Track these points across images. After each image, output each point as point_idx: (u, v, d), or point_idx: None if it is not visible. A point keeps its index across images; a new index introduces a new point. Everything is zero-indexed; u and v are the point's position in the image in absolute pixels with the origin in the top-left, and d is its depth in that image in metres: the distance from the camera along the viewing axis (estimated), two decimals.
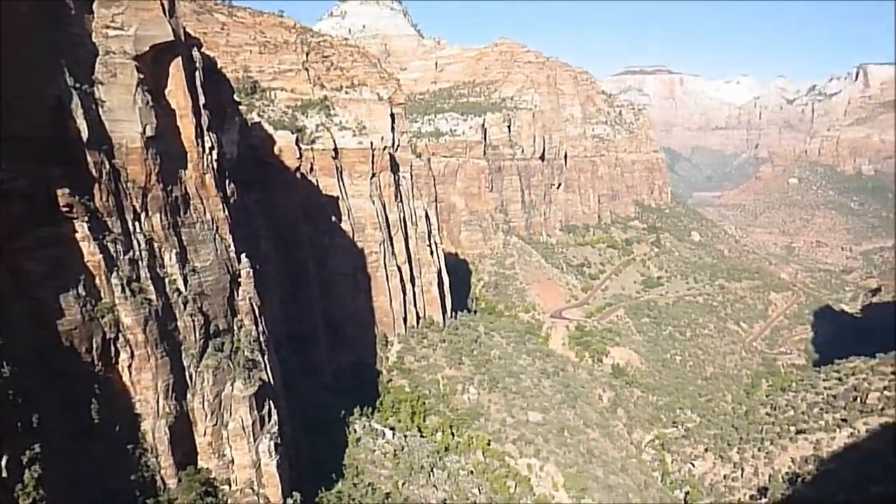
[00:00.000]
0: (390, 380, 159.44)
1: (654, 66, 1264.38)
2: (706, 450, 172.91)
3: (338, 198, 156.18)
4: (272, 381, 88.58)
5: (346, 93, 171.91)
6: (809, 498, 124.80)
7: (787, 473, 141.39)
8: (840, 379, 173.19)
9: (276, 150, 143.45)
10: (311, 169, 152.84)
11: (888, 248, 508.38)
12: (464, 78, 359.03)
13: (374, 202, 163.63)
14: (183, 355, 75.17)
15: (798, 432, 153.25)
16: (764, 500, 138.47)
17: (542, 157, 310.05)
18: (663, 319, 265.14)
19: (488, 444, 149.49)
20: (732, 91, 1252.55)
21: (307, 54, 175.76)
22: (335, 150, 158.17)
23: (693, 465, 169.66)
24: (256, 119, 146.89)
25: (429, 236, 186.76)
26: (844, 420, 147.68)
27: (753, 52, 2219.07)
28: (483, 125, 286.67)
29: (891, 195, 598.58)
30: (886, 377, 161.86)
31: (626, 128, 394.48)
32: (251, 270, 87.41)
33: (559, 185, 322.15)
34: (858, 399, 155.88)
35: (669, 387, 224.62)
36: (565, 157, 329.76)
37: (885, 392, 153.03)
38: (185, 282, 76.40)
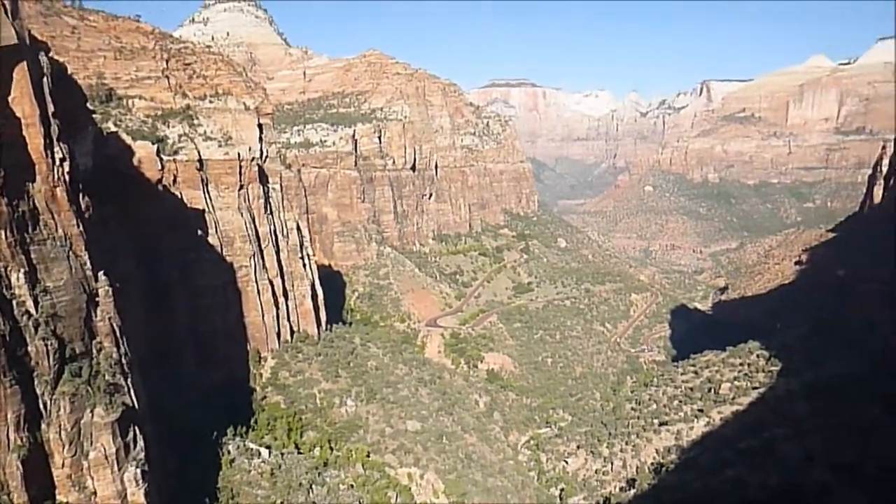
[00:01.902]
0: (265, 397, 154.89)
1: (518, 79, 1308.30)
2: (578, 447, 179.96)
3: (204, 211, 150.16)
4: (137, 405, 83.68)
5: (211, 102, 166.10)
6: (672, 485, 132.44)
7: (652, 464, 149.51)
8: (696, 372, 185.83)
9: (135, 162, 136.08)
10: (175, 181, 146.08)
11: (733, 250, 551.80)
12: (333, 88, 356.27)
13: (242, 215, 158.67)
14: (36, 382, 69.66)
15: (661, 424, 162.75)
16: (632, 491, 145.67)
17: (413, 168, 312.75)
18: (534, 324, 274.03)
19: (368, 456, 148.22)
20: (591, 104, 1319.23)
21: (167, 61, 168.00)
22: (200, 161, 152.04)
23: (567, 463, 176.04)
24: (113, 129, 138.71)
25: (301, 248, 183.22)
26: (701, 410, 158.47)
27: (609, 67, 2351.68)
28: (354, 136, 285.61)
29: (734, 200, 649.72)
30: (736, 368, 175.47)
31: (494, 139, 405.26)
32: (110, 289, 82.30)
33: (431, 195, 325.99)
34: (712, 390, 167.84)
35: (542, 388, 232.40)
36: (436, 167, 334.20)
37: (736, 382, 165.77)
38: (36, 303, 70.90)
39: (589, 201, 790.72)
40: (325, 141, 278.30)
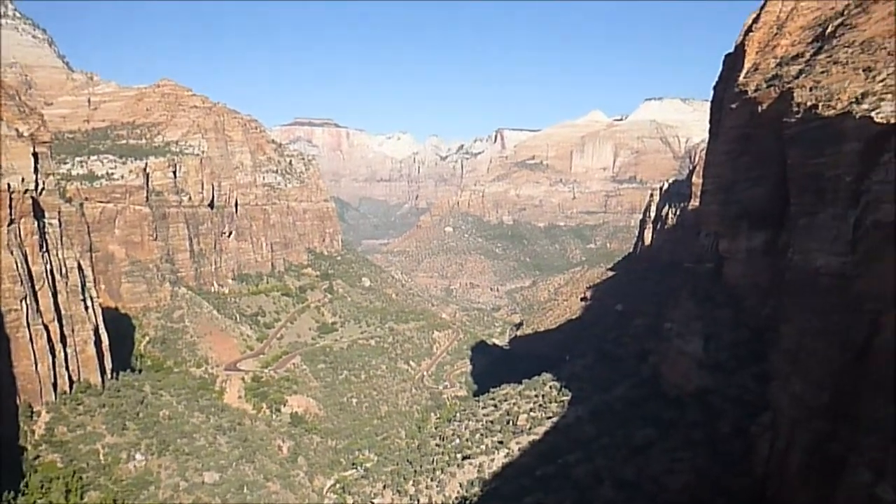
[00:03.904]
0: (38, 456, 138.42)
1: (322, 118, 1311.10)
2: (384, 486, 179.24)
3: None
4: None
5: None
6: None
7: (457, 498, 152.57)
8: (495, 405, 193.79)
9: None
10: None
11: (526, 288, 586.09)
12: (122, 118, 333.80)
13: (12, 252, 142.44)
14: None
15: (464, 458, 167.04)
16: None
17: (211, 205, 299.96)
18: (339, 364, 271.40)
19: None
20: (394, 146, 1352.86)
21: None
22: None
23: None
24: None
25: (82, 290, 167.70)
26: (501, 442, 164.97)
27: (411, 112, 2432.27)
28: (145, 169, 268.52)
29: (526, 241, 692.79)
30: (532, 399, 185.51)
31: (297, 177, 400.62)
32: None
33: (230, 233, 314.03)
34: (511, 422, 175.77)
35: (347, 430, 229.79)
36: (236, 204, 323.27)
37: (531, 413, 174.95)
38: None
39: (392, 241, 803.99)
40: (113, 174, 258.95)
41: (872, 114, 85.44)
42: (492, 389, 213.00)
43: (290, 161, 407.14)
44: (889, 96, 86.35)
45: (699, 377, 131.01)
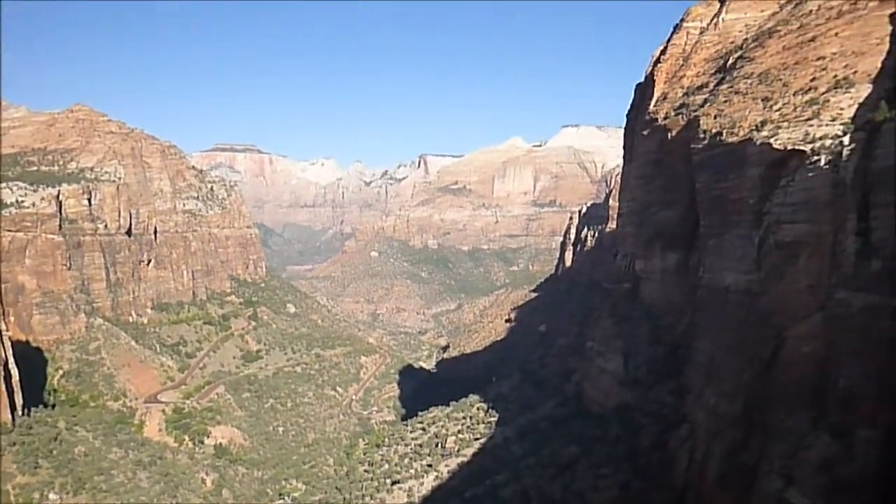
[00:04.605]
0: None
1: (244, 144, 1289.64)
2: None
3: None
4: None
5: None
6: None
7: None
8: (424, 429, 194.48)
9: None
10: None
11: (452, 311, 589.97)
12: (33, 144, 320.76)
13: None
14: None
15: (393, 483, 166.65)
16: None
17: (128, 233, 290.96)
18: (264, 392, 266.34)
19: None
20: (318, 172, 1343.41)
21: None
22: None
23: None
24: None
25: None
26: (430, 465, 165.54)
27: (334, 138, 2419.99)
28: (58, 197, 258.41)
29: (451, 265, 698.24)
30: (459, 421, 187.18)
31: (219, 203, 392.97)
32: None
33: (149, 261, 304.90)
34: (439, 445, 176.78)
35: (274, 459, 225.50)
36: (155, 232, 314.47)
37: (460, 435, 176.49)
38: None
39: (317, 266, 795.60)
40: (23, 201, 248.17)
41: (771, 140, 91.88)
42: (420, 413, 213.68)
43: (212, 187, 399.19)
44: (786, 124, 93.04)
45: (620, 394, 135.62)
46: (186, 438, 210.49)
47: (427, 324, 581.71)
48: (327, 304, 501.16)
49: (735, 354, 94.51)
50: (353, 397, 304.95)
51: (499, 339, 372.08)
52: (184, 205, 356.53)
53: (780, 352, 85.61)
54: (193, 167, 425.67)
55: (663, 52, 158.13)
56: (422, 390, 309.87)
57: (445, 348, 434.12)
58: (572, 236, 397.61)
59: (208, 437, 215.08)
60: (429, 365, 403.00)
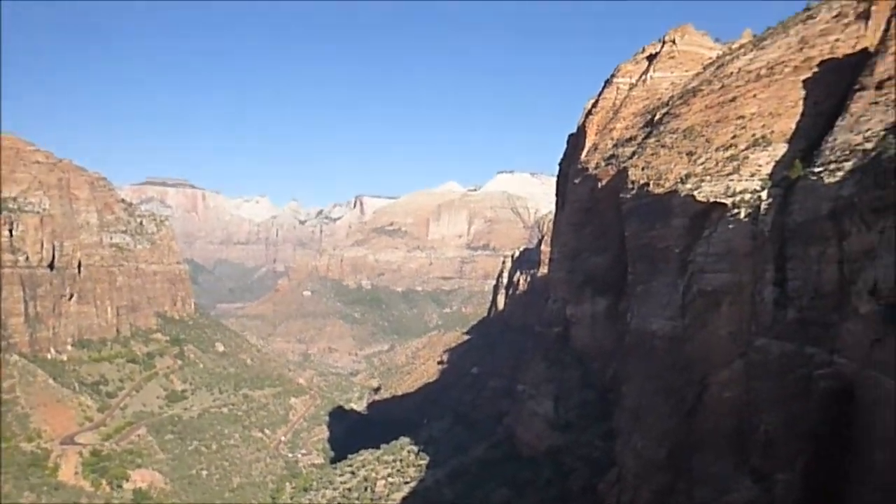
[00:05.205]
0: None
1: (176, 179, 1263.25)
2: None
3: None
4: None
5: None
6: None
7: None
8: (353, 472, 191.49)
9: None
10: None
11: (384, 352, 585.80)
12: None
13: None
14: None
15: None
16: None
17: (51, 266, 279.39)
18: (188, 434, 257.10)
19: None
20: (252, 209, 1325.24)
21: None
22: None
23: None
24: None
25: None
26: None
27: (270, 175, 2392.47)
28: None
29: (385, 306, 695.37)
30: (390, 465, 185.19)
31: (148, 238, 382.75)
32: None
33: (72, 295, 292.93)
34: (369, 489, 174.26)
35: None
36: (79, 266, 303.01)
37: (390, 479, 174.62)
38: None
39: (249, 305, 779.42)
40: None
41: (695, 193, 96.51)
42: (350, 456, 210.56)
43: (142, 221, 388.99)
44: (708, 178, 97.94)
45: (551, 437, 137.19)
46: (104, 482, 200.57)
47: (359, 365, 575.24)
48: (258, 343, 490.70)
49: (661, 399, 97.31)
50: (282, 439, 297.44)
51: (431, 380, 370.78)
52: (111, 238, 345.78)
53: (703, 397, 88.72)
54: (123, 200, 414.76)
55: (595, 104, 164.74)
56: (352, 432, 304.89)
57: (377, 390, 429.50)
58: (505, 280, 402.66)
59: (127, 480, 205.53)
60: (360, 406, 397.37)
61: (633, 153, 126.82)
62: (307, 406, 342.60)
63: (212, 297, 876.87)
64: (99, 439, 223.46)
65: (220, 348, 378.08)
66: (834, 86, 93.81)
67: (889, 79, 78.80)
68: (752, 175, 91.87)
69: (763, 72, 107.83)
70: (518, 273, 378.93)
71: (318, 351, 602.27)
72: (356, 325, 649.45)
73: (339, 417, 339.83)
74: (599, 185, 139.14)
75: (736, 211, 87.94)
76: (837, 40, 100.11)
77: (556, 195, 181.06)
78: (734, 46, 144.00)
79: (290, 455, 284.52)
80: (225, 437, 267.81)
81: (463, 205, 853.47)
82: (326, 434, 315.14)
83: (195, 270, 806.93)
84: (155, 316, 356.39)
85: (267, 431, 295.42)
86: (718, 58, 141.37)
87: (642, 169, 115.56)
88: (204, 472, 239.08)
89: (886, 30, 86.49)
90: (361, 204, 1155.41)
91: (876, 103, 78.00)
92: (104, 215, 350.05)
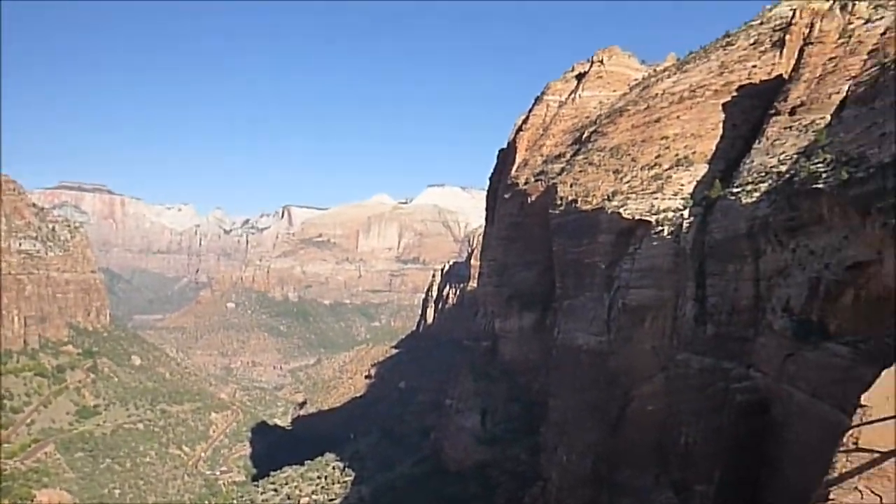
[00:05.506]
0: None
1: (93, 183, 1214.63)
2: None
3: None
4: None
5: None
6: None
7: None
8: (276, 490, 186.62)
9: None
10: None
11: (311, 366, 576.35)
12: None
13: None
14: None
15: None
16: None
17: None
18: (100, 452, 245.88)
19: None
20: (174, 217, 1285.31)
21: None
22: None
23: None
24: None
25: None
26: None
27: (194, 183, 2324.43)
28: None
29: (311, 319, 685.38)
30: (314, 482, 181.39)
31: (61, 245, 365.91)
32: None
33: None
34: None
35: None
36: None
37: (314, 496, 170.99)
38: None
39: (168, 316, 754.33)
40: None
41: (621, 210, 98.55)
42: (272, 473, 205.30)
43: (54, 227, 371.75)
44: (634, 196, 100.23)
45: (477, 451, 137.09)
46: (6, 503, 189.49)
47: (284, 379, 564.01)
48: (177, 356, 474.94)
49: (587, 413, 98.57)
50: (201, 456, 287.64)
51: (358, 395, 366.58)
52: (20, 245, 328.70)
53: (627, 411, 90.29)
54: (34, 205, 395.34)
55: (525, 121, 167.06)
56: (276, 449, 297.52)
57: (302, 404, 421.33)
58: (434, 294, 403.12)
59: (32, 501, 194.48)
60: (284, 422, 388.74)
61: (562, 170, 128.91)
62: (228, 422, 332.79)
63: (129, 308, 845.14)
64: (2, 458, 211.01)
65: (137, 361, 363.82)
66: (751, 110, 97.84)
67: (802, 105, 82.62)
68: (675, 194, 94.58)
69: (686, 94, 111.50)
70: (448, 287, 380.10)
71: (242, 365, 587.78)
72: (282, 338, 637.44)
73: (263, 433, 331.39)
74: (529, 200, 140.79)
75: (660, 229, 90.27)
76: (755, 66, 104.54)
77: (486, 209, 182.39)
78: (659, 69, 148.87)
79: (209, 473, 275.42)
80: (140, 454, 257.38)
81: (393, 217, 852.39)
82: (248, 450, 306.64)
83: (111, 280, 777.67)
84: (67, 327, 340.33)
85: (185, 448, 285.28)
86: (644, 79, 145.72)
87: (571, 185, 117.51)
88: (117, 492, 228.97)
89: (799, 58, 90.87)
90: (290, 214, 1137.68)
91: (789, 128, 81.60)
92: (13, 220, 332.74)
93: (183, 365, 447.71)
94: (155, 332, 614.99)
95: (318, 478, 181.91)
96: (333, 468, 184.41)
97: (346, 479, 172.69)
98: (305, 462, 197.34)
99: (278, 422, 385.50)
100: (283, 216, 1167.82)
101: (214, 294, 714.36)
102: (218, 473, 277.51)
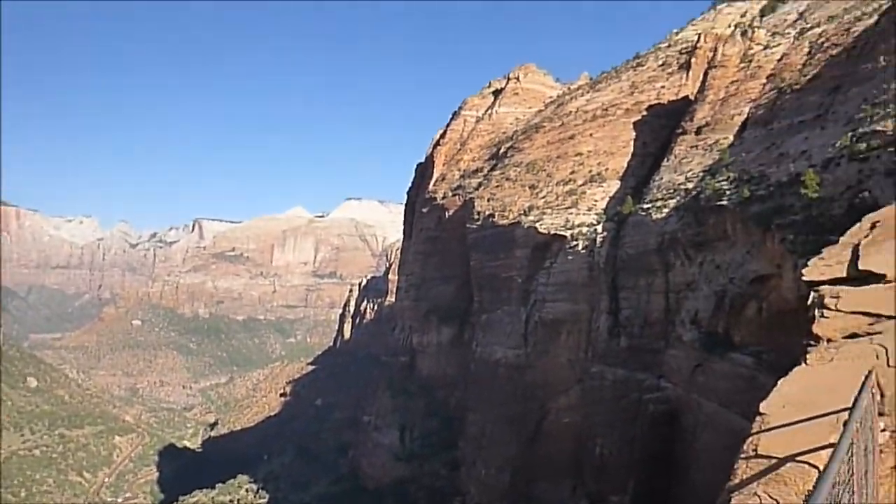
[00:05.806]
0: None
1: None
2: None
3: None
4: None
5: None
6: None
7: None
8: None
9: None
10: None
11: (222, 384, 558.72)
12: None
13: None
14: None
15: None
16: None
17: None
18: None
19: None
20: (75, 230, 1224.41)
21: None
22: None
23: None
24: None
25: None
26: None
27: (96, 194, 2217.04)
28: None
29: (223, 336, 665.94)
30: None
31: None
32: None
33: None
34: None
35: None
36: None
37: None
38: None
39: (68, 335, 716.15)
40: None
41: (537, 225, 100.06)
42: (181, 497, 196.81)
43: None
44: (549, 211, 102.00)
45: (396, 468, 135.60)
46: None
47: (194, 399, 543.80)
48: (78, 377, 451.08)
49: (504, 427, 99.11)
50: (104, 482, 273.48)
51: (273, 413, 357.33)
52: None
53: (543, 424, 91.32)
54: None
55: (443, 135, 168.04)
56: (185, 472, 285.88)
57: (214, 425, 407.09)
58: (352, 308, 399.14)
59: None
60: (194, 444, 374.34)
61: (480, 184, 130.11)
62: (134, 445, 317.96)
63: (25, 326, 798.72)
64: None
65: (33, 383, 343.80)
66: (660, 129, 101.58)
67: (707, 125, 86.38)
68: (589, 209, 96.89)
69: (598, 112, 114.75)
70: (365, 302, 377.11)
71: (148, 385, 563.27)
72: (191, 356, 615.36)
73: (171, 456, 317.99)
74: (446, 214, 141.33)
75: (574, 243, 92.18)
76: (663, 87, 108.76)
77: (404, 224, 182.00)
78: (573, 87, 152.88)
79: (112, 500, 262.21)
80: (37, 482, 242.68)
81: (310, 231, 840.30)
82: (155, 475, 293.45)
83: (5, 297, 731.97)
84: None
85: (87, 475, 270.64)
86: (559, 97, 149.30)
87: (488, 200, 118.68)
88: None
89: (704, 80, 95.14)
90: (200, 228, 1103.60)
91: (696, 147, 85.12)
92: None
93: (84, 386, 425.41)
94: (53, 351, 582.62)
95: (230, 501, 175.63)
96: (247, 490, 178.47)
97: (260, 501, 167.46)
98: (217, 485, 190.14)
99: (188, 444, 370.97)
100: (193, 229, 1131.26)
101: (119, 311, 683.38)
102: (121, 500, 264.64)
